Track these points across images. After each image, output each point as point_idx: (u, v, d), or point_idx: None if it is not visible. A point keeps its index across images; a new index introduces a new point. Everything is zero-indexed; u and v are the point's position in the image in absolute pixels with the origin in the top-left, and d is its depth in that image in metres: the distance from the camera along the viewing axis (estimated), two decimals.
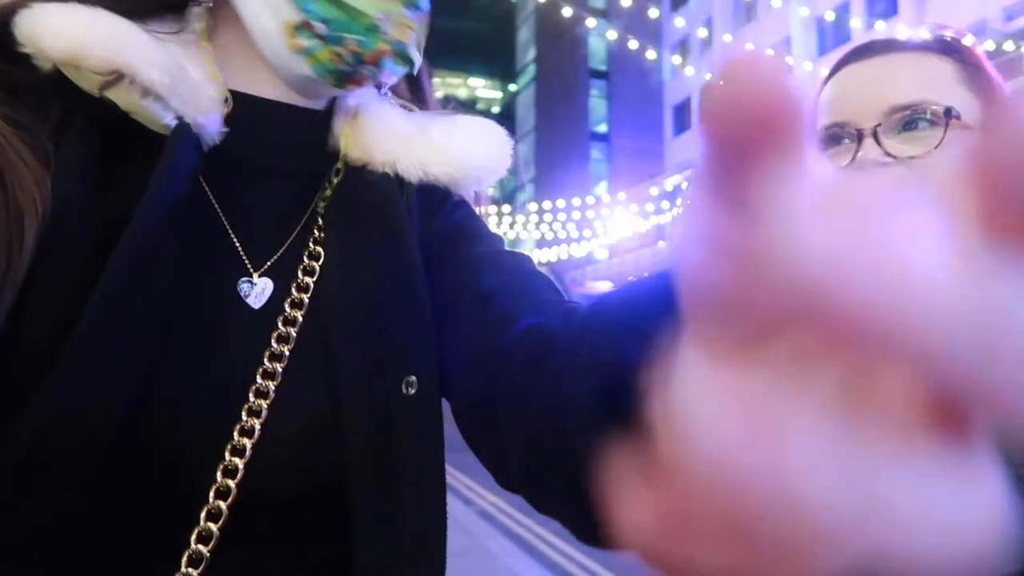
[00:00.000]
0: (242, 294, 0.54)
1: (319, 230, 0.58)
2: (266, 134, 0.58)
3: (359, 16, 0.52)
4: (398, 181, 0.59)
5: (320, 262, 0.57)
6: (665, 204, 20.84)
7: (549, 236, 21.88)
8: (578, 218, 26.91)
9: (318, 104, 0.61)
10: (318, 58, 0.52)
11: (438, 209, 0.63)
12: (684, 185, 22.43)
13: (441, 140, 0.60)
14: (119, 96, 0.50)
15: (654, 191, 21.24)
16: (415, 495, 0.52)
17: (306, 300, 0.55)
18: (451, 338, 0.55)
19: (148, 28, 0.54)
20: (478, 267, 0.57)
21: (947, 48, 0.82)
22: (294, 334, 0.54)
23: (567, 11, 10.97)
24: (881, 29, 18.52)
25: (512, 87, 44.56)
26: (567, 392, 0.41)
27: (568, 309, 0.49)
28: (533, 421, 0.45)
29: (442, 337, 0.56)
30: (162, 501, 0.48)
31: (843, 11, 19.68)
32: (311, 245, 0.58)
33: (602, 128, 35.49)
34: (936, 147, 0.77)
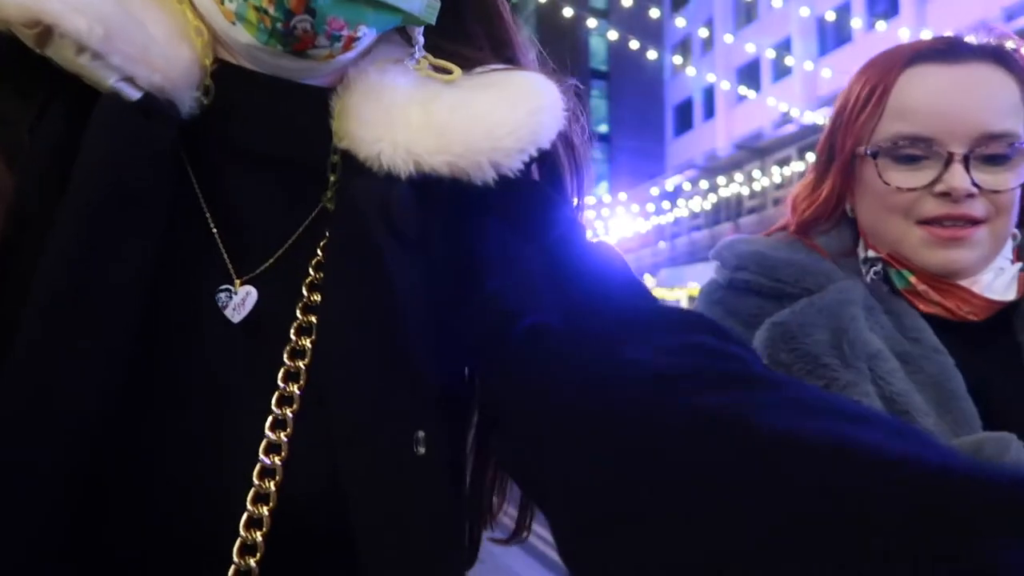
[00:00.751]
0: (219, 304, 0.47)
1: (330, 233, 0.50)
2: (259, 114, 0.49)
3: None
4: (389, 179, 0.49)
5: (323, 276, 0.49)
6: (666, 204, 20.84)
7: None
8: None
9: (322, 80, 0.51)
10: (250, 21, 0.45)
11: (476, 200, 0.51)
12: (685, 185, 22.44)
13: (443, 117, 0.49)
14: (59, 55, 0.43)
15: (655, 191, 21.24)
16: (433, 561, 0.46)
17: (315, 323, 0.47)
18: (464, 345, 0.50)
19: None
20: (485, 267, 0.50)
21: (1011, 64, 0.79)
22: (303, 368, 0.47)
23: (568, 11, 10.98)
24: (882, 29, 18.52)
25: None
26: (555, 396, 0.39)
27: (570, 307, 0.45)
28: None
29: (460, 345, 0.50)
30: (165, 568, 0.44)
31: (844, 11, 19.66)
32: (319, 252, 0.50)
33: (603, 128, 35.48)
34: (1020, 185, 0.77)
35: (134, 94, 0.44)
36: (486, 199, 0.51)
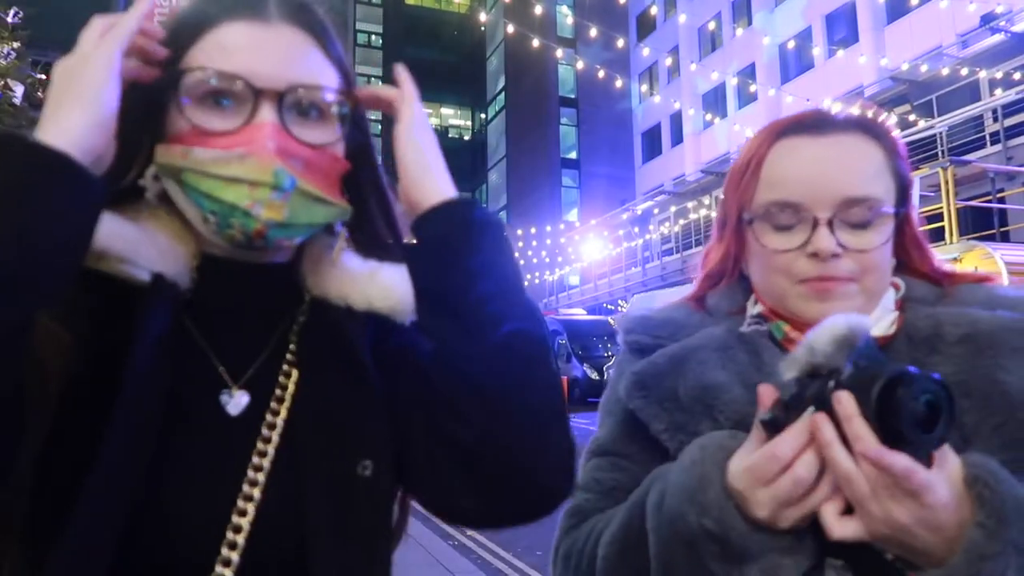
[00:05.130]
0: (223, 403, 0.72)
1: (291, 353, 0.76)
2: (234, 283, 0.76)
3: (235, 207, 0.68)
4: (350, 312, 0.77)
5: (292, 379, 0.74)
6: (636, 229, 21.03)
7: (521, 263, 21.86)
8: (550, 244, 26.90)
9: (281, 257, 0.79)
10: (225, 237, 0.70)
11: (392, 329, 0.80)
12: (654, 210, 22.68)
13: (385, 280, 0.78)
14: (109, 267, 0.67)
15: (625, 216, 21.43)
16: (370, 556, 0.71)
17: (282, 412, 0.73)
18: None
19: (131, 211, 0.71)
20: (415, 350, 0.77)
21: (877, 133, 0.88)
22: (271, 451, 0.70)
23: (535, 42, 11.12)
24: (841, 56, 18.99)
25: (483, 115, 44.90)
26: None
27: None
28: None
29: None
30: None
31: (804, 39, 20.17)
32: (285, 366, 0.75)
33: (572, 155, 35.84)
34: (883, 244, 0.85)
35: (145, 277, 0.69)
36: (399, 329, 0.79)
